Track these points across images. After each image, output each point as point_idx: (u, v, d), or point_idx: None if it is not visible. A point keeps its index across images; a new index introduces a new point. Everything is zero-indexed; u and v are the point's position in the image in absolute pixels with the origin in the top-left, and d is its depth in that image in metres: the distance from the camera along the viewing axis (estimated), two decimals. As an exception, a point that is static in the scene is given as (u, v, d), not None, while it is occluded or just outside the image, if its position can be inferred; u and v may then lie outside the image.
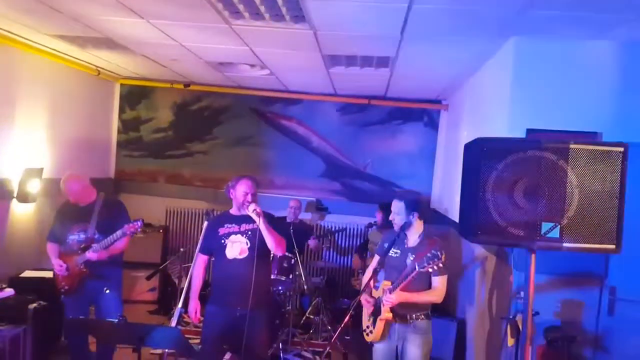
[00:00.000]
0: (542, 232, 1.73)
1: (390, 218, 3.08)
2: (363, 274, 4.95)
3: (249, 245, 3.16)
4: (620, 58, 3.14)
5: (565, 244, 1.74)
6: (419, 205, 3.04)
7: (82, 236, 3.54)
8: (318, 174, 6.41)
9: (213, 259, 3.32)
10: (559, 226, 1.73)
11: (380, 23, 3.22)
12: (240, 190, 3.18)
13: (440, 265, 2.66)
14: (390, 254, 3.08)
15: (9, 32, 4.22)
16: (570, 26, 2.99)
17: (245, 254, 3.15)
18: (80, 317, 3.46)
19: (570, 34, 3.12)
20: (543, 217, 1.75)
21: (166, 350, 4.09)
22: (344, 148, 6.37)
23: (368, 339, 3.14)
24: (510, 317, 2.90)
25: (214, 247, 3.24)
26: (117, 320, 2.32)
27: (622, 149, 1.81)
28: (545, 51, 3.20)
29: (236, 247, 3.17)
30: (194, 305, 3.25)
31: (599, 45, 3.14)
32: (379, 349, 3.07)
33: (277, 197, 6.11)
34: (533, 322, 2.18)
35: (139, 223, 3.49)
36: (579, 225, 1.74)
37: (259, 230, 3.10)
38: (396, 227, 3.03)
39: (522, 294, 2.91)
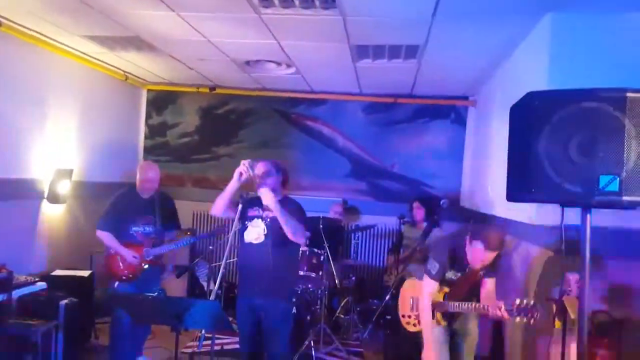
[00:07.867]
0: (600, 186, 1.64)
1: None
2: (396, 270, 4.91)
3: (265, 232, 3.08)
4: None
5: (626, 198, 1.64)
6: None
7: (149, 229, 3.60)
8: (344, 174, 6.36)
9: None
10: (617, 179, 1.64)
11: (411, 2, 3.19)
12: (256, 171, 3.09)
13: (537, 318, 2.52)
14: (449, 278, 2.97)
15: (40, 33, 4.31)
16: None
17: (261, 240, 3.07)
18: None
19: (612, 7, 2.98)
20: (600, 171, 1.66)
21: (202, 333, 4.02)
22: (370, 147, 6.31)
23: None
24: (556, 297, 2.76)
25: (240, 227, 3.17)
26: (156, 293, 2.28)
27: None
28: (584, 27, 3.04)
29: (253, 232, 3.10)
30: None
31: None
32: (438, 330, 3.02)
33: (304, 198, 6.05)
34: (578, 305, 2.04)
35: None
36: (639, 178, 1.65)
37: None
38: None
39: (566, 274, 2.78)
